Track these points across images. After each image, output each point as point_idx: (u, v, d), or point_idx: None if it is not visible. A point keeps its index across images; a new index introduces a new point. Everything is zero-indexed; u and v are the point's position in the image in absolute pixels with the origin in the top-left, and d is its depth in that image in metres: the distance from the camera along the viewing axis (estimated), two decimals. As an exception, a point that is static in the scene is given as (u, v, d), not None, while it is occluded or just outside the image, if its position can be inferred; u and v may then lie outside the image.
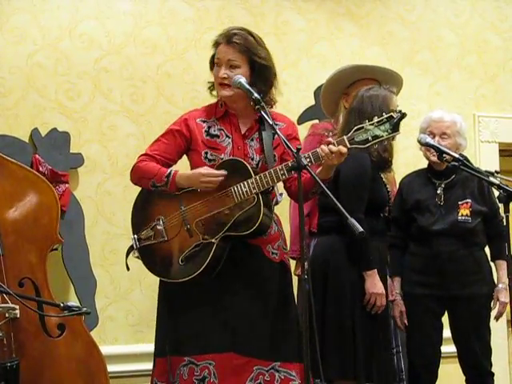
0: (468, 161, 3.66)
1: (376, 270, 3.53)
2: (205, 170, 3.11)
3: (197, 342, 3.11)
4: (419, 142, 3.73)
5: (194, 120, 3.25)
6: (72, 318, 3.32)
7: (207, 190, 3.11)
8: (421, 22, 5.18)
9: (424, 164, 4.09)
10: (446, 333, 3.96)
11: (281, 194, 3.24)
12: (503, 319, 4.34)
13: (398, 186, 4.11)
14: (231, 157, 3.18)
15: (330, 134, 3.86)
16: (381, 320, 3.59)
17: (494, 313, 3.95)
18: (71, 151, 4.28)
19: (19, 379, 3.25)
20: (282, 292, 3.22)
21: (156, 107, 4.52)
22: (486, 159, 5.14)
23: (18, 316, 3.33)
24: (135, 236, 3.23)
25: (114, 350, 4.24)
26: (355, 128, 3.02)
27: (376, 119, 3.00)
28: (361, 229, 2.69)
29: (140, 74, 4.50)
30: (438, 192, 3.94)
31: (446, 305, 3.90)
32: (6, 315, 3.32)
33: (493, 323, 3.99)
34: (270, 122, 2.99)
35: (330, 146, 3.00)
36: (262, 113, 3.03)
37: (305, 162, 2.89)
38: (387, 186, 3.80)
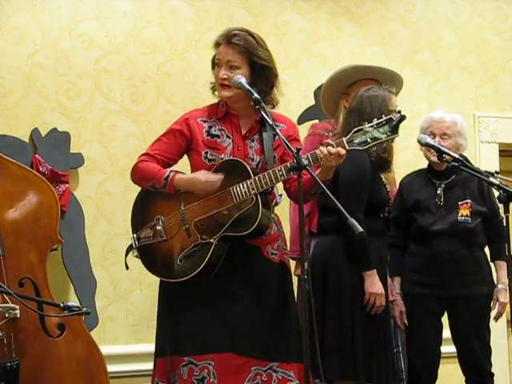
0: (468, 161, 3.65)
1: (375, 270, 3.53)
2: (203, 176, 3.10)
3: (196, 342, 3.11)
4: (419, 142, 3.73)
5: (194, 120, 3.25)
6: (72, 318, 3.33)
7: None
8: (421, 21, 5.18)
9: (424, 164, 4.08)
10: (446, 333, 3.96)
11: (280, 195, 3.25)
12: (503, 319, 4.33)
13: (398, 186, 4.11)
14: (231, 157, 3.18)
15: (330, 134, 3.87)
16: (381, 320, 3.59)
17: (493, 313, 3.95)
18: (71, 151, 4.28)
19: (19, 379, 3.25)
20: (281, 292, 3.21)
21: (156, 107, 4.51)
22: (485, 159, 5.13)
23: (18, 316, 3.33)
24: (134, 235, 3.23)
25: (113, 349, 4.23)
26: (354, 130, 3.02)
27: (375, 121, 2.99)
28: (360, 229, 2.69)
29: (140, 74, 4.50)
30: (438, 192, 3.94)
31: (446, 305, 3.90)
32: (6, 315, 3.32)
33: (493, 323, 3.99)
34: (270, 122, 2.99)
35: (329, 148, 2.99)
36: (262, 113, 3.02)
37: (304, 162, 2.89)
38: (387, 186, 3.79)
